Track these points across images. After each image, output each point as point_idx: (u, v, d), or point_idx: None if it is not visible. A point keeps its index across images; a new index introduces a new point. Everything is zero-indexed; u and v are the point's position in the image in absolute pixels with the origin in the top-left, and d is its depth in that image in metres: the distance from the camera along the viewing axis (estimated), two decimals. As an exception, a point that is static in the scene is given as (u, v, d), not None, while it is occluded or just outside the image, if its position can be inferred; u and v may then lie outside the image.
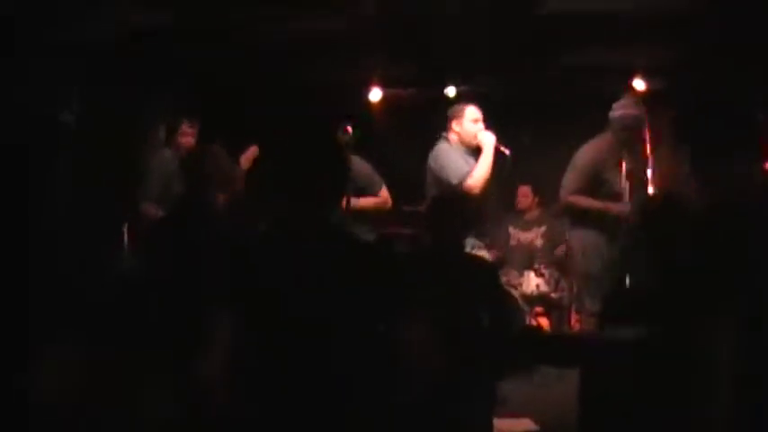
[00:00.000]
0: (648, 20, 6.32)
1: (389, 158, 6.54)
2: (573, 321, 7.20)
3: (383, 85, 8.10)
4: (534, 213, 8.54)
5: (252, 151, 6.42)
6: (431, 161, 6.09)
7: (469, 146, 6.08)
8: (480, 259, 5.00)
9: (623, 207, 6.11)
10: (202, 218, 4.45)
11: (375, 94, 8.22)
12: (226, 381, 2.73)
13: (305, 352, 2.71)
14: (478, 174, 5.91)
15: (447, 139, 6.14)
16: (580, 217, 6.34)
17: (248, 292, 2.74)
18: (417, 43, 7.23)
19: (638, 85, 7.42)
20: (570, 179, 6.33)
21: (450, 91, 8.44)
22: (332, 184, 2.89)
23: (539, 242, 8.31)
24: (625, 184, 6.21)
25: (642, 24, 6.37)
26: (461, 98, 8.39)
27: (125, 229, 6.26)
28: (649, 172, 6.24)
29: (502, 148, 6.00)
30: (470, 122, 6.11)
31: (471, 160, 6.02)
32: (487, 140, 5.99)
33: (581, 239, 6.39)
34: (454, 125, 6.14)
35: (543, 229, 8.29)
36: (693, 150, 3.16)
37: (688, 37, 6.77)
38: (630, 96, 6.64)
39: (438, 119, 7.93)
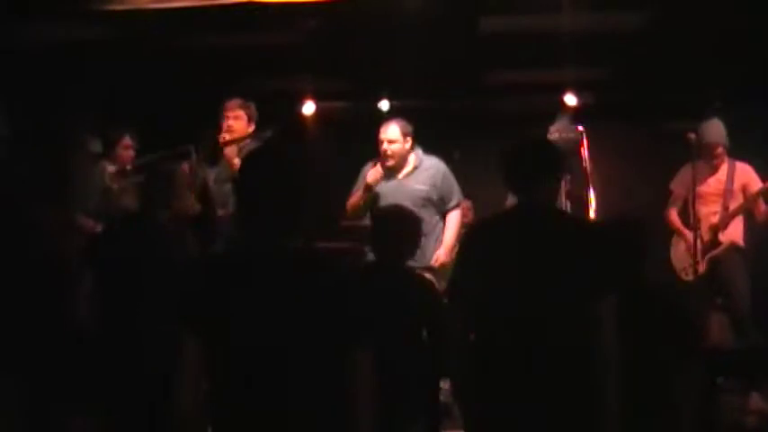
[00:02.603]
0: (579, 38, 6.44)
1: (323, 172, 6.50)
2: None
3: (316, 99, 8.08)
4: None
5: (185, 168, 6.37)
6: None
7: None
8: (420, 276, 4.99)
9: None
10: (153, 235, 4.42)
11: (308, 107, 8.20)
12: (198, 409, 2.72)
13: (265, 377, 2.70)
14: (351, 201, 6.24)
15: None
16: None
17: (209, 317, 2.73)
18: (352, 57, 7.25)
19: (570, 100, 7.52)
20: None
21: (384, 105, 8.47)
22: (287, 209, 2.85)
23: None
24: (566, 205, 6.21)
25: (573, 43, 6.48)
26: (394, 112, 8.46)
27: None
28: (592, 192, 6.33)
29: None
30: (382, 139, 6.19)
31: (394, 182, 6.17)
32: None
33: None
34: None
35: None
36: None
37: (619, 55, 6.94)
38: (565, 117, 6.76)
39: (371, 132, 7.97)
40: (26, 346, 4.05)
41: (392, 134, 6.13)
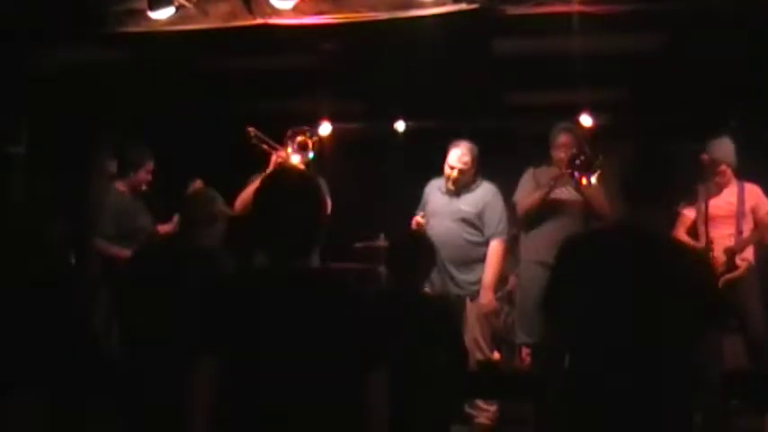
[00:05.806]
0: (595, 60, 6.44)
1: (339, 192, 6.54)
2: (523, 355, 7.23)
3: (332, 120, 8.10)
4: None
5: (197, 184, 6.41)
6: None
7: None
8: (434, 298, 5.00)
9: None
10: (188, 258, 4.43)
11: (325, 128, 8.21)
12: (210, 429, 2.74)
13: (279, 397, 2.72)
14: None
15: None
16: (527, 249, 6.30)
17: (226, 337, 2.76)
18: (367, 79, 7.29)
19: (585, 121, 7.50)
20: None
21: (400, 125, 8.50)
22: (303, 231, 2.89)
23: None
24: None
25: (589, 64, 6.48)
26: (410, 133, 8.51)
27: (72, 260, 6.18)
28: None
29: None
30: (447, 165, 6.27)
31: (446, 199, 6.29)
32: None
33: (522, 272, 6.35)
34: None
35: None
36: None
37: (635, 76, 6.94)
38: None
39: (387, 152, 8.01)
40: (38, 360, 4.05)
41: (466, 157, 6.25)
